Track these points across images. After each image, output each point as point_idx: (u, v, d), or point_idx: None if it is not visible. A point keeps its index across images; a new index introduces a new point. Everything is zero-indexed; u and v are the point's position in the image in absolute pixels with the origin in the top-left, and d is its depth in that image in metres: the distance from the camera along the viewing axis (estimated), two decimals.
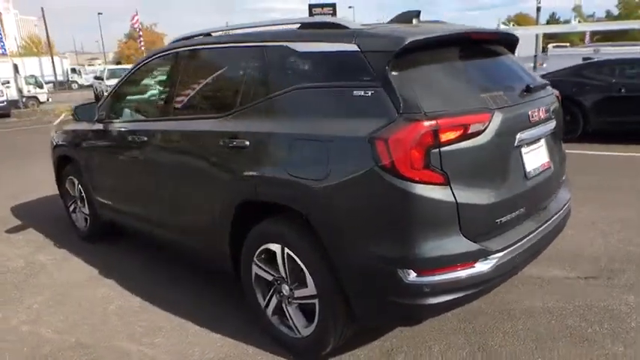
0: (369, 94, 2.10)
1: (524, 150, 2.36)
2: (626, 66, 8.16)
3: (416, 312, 2.13)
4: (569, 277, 3.32)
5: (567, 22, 27.61)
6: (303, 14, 40.38)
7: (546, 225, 2.48)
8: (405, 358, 2.54)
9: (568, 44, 30.91)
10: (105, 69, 24.82)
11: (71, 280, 3.72)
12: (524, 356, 2.49)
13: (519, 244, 2.26)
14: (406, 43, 2.09)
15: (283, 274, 2.51)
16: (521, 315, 2.85)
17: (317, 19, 2.59)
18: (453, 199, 2.02)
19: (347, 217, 2.13)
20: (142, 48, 33.15)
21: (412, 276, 2.04)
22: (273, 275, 2.58)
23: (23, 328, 3.08)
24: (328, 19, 2.52)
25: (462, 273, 2.07)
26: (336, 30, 2.40)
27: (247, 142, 2.52)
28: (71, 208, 4.62)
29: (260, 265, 2.63)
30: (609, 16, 57.08)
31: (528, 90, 2.44)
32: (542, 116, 2.44)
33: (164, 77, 3.43)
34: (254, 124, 2.53)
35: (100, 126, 3.79)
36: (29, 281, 3.76)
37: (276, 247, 2.49)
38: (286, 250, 2.44)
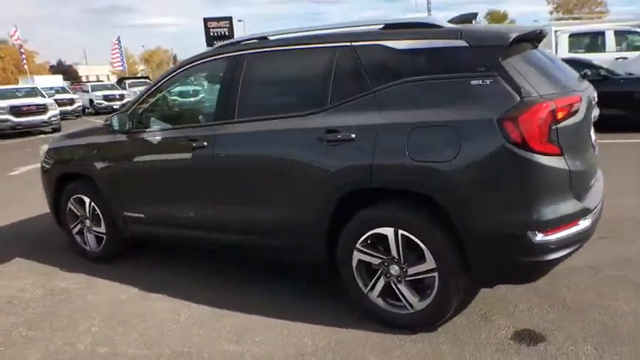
0: (488, 82, 2.41)
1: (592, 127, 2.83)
2: None
3: (539, 268, 2.48)
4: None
5: None
6: (197, 29, 39.69)
7: (602, 191, 2.96)
8: (501, 318, 2.87)
9: None
10: None
11: (114, 300, 3.53)
12: (590, 303, 2.94)
13: (600, 205, 2.71)
14: (512, 38, 2.45)
15: (395, 255, 2.71)
16: (572, 272, 3.30)
17: (402, 19, 2.85)
18: (567, 167, 2.40)
19: (478, 191, 2.42)
20: (25, 64, 30.27)
21: (539, 236, 2.38)
22: (381, 258, 2.77)
23: (101, 350, 2.90)
24: (416, 19, 2.79)
25: (573, 230, 2.46)
26: (429, 29, 2.69)
27: (353, 135, 2.69)
28: (75, 230, 4.31)
29: (365, 250, 2.80)
30: None
31: (583, 77, 2.92)
32: (596, 99, 2.93)
33: (218, 81, 3.43)
34: (358, 117, 2.71)
35: (135, 136, 3.65)
36: (66, 307, 3.49)
37: (387, 231, 2.69)
38: (400, 231, 2.64)
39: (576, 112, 2.48)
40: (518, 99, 2.35)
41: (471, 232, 2.46)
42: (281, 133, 2.97)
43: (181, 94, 3.62)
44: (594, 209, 2.60)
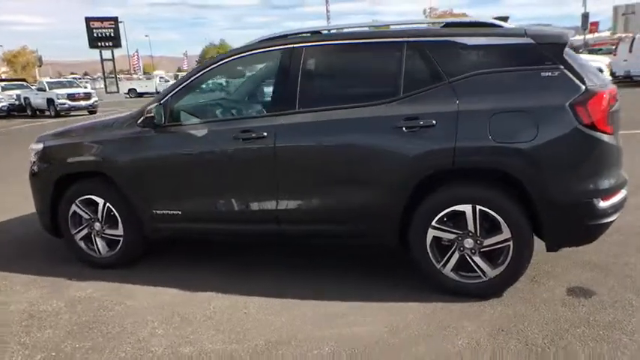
0: (556, 74, 2.82)
1: None
2: None
3: (599, 230, 2.93)
4: None
5: None
6: (69, 29, 36.72)
7: None
8: (548, 280, 3.30)
9: None
10: None
11: (161, 302, 3.35)
12: (614, 262, 3.51)
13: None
14: (569, 36, 2.89)
15: (472, 229, 3.00)
16: None
17: (462, 19, 3.16)
18: (617, 144, 2.90)
19: (554, 167, 2.80)
20: None
21: (601, 203, 2.84)
22: (456, 233, 3.04)
23: (185, 350, 2.78)
24: (474, 19, 3.13)
25: (619, 197, 2.96)
26: (489, 28, 3.04)
27: (434, 121, 2.94)
28: (80, 235, 3.95)
29: (441, 227, 3.05)
30: None
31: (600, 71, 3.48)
32: None
33: (271, 73, 3.43)
34: (436, 105, 2.96)
35: (171, 129, 3.50)
36: (106, 314, 3.23)
37: (465, 207, 2.97)
38: (478, 207, 2.94)
39: (617, 100, 2.99)
40: (584, 87, 2.79)
41: (548, 203, 2.84)
42: (355, 122, 3.10)
43: (220, 86, 3.51)
44: (627, 181, 3.14)
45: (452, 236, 3.06)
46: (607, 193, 2.86)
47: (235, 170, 3.40)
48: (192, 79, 3.59)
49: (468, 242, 3.03)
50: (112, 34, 37.63)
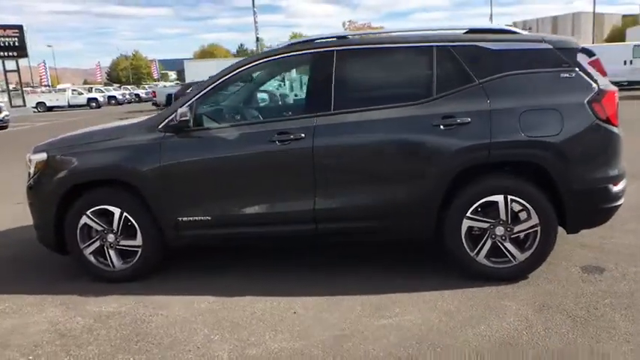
0: (573, 75, 3.19)
1: None
2: None
3: (611, 212, 3.32)
4: None
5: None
6: None
7: None
8: (561, 261, 3.66)
9: None
10: None
11: (200, 309, 3.27)
12: (608, 239, 3.97)
13: None
14: (579, 43, 3.28)
15: (504, 217, 3.27)
16: None
17: (481, 25, 3.46)
18: (621, 136, 3.32)
19: (577, 157, 3.15)
20: None
21: (613, 188, 3.24)
22: (489, 222, 3.30)
23: (252, 352, 2.76)
24: (493, 26, 3.43)
25: (624, 183, 3.37)
26: (509, 34, 3.37)
27: (469, 119, 3.19)
28: (91, 249, 3.73)
29: (475, 217, 3.29)
30: None
31: None
32: None
33: (304, 76, 3.50)
34: (469, 104, 3.21)
35: (198, 133, 3.45)
36: (146, 326, 3.10)
37: (497, 198, 3.24)
38: (509, 196, 3.23)
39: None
40: (597, 87, 3.18)
41: (571, 190, 3.18)
42: (393, 121, 3.27)
43: (253, 88, 3.51)
44: None
45: (485, 225, 3.31)
46: (617, 180, 3.26)
47: (272, 172, 3.42)
48: (218, 82, 3.56)
49: (499, 230, 3.30)
50: (17, 44, 34.78)
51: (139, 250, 3.68)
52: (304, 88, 3.50)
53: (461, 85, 3.27)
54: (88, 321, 3.22)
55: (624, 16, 69.12)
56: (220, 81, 3.57)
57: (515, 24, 50.71)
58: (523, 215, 3.28)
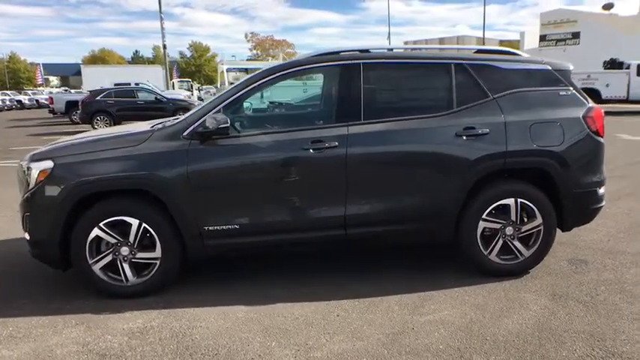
0: (569, 93, 3.70)
1: None
2: None
3: (597, 212, 3.85)
4: None
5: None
6: None
7: None
8: (549, 257, 4.15)
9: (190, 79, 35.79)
10: None
11: (238, 319, 3.23)
12: (584, 234, 4.56)
13: None
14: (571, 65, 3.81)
15: (513, 218, 3.66)
16: None
17: (488, 47, 3.85)
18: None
19: (575, 164, 3.63)
20: None
21: (600, 191, 3.78)
22: (501, 223, 3.67)
23: (317, 354, 2.82)
24: (496, 48, 3.85)
25: (604, 189, 3.94)
26: (511, 55, 3.81)
27: (487, 130, 3.54)
28: (101, 264, 3.48)
29: (489, 219, 3.65)
30: (182, 56, 65.81)
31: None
32: None
33: (332, 87, 3.60)
34: (486, 117, 3.57)
35: (226, 141, 3.43)
36: (190, 340, 3.00)
37: (509, 201, 3.63)
38: (519, 200, 3.63)
39: None
40: (588, 104, 3.71)
41: (569, 193, 3.65)
42: (422, 131, 3.52)
43: (281, 97, 3.50)
44: None
45: (497, 226, 3.68)
46: (602, 184, 3.81)
47: (304, 178, 3.48)
48: (244, 91, 3.56)
49: (509, 230, 3.69)
50: None
51: (157, 262, 3.52)
52: (316, 97, 3.62)
53: (477, 99, 3.62)
54: (122, 339, 3.02)
55: (501, 41, 77.29)
56: (248, 88, 3.57)
57: (406, 42, 54.37)
58: (529, 216, 3.70)
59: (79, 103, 18.51)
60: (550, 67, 3.76)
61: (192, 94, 26.56)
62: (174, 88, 28.42)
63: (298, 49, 58.88)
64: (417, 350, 2.84)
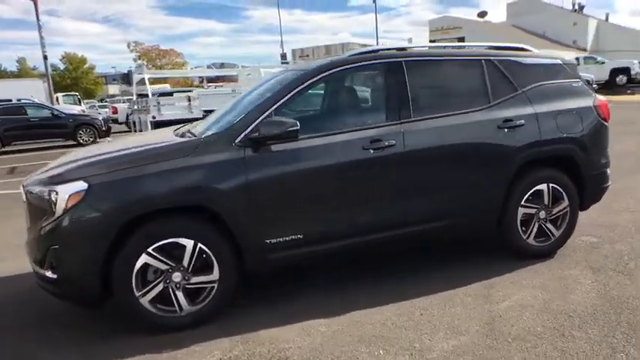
0: (580, 84, 4.06)
1: None
2: None
3: (605, 191, 4.25)
4: None
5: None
6: None
7: None
8: None
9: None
10: None
11: (325, 335, 3.05)
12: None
13: None
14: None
15: (547, 203, 3.92)
16: None
17: (500, 44, 4.08)
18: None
19: (592, 148, 3.99)
20: None
21: (608, 171, 4.19)
22: (536, 207, 3.90)
23: (436, 352, 2.76)
24: (508, 44, 4.10)
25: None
26: (525, 51, 4.08)
27: (523, 122, 3.74)
28: (150, 296, 3.05)
29: (527, 204, 3.86)
30: (55, 70, 59.71)
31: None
32: None
33: (379, 85, 3.55)
34: (519, 109, 3.77)
35: (280, 147, 3.22)
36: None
37: (542, 186, 3.87)
38: (550, 185, 3.90)
39: None
40: (594, 95, 4.11)
41: (589, 175, 4.00)
42: (470, 125, 3.62)
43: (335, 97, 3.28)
44: None
45: (533, 211, 3.90)
46: (608, 165, 4.23)
47: (367, 180, 3.39)
48: (293, 92, 3.36)
49: (542, 213, 3.93)
50: None
51: (214, 285, 3.18)
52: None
53: (509, 93, 3.81)
54: None
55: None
56: (295, 91, 3.37)
57: (294, 51, 55.41)
58: (556, 200, 3.96)
59: None
60: (560, 61, 4.09)
61: (83, 109, 24.37)
62: (58, 103, 25.77)
63: (184, 58, 56.81)
64: (520, 335, 2.91)
